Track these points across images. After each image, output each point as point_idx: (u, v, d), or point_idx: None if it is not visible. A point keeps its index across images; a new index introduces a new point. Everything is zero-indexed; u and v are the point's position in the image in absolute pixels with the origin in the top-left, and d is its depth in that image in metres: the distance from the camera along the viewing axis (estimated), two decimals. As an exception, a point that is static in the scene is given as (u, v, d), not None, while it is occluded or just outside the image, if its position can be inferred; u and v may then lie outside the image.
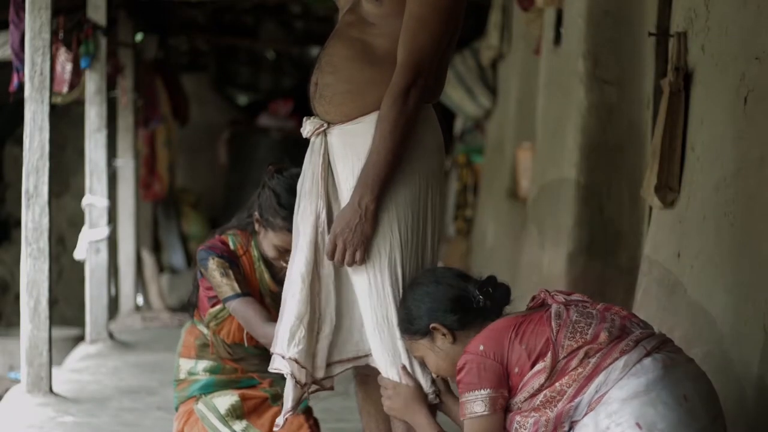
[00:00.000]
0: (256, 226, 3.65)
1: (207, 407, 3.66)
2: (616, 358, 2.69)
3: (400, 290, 2.95)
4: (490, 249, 7.94)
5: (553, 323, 2.76)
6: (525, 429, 2.74)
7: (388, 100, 2.91)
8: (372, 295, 2.96)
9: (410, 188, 2.96)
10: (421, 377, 2.99)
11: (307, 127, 3.06)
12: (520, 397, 2.76)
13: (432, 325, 2.89)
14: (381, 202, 2.93)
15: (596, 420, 2.67)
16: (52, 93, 4.86)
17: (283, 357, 3.01)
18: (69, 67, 6.09)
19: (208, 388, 3.70)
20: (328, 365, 3.02)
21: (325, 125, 3.02)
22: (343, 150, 2.98)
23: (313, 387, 3.11)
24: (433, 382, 3.00)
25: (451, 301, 2.90)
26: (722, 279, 3.46)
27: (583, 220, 5.29)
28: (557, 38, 5.97)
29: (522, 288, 6.02)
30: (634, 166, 5.13)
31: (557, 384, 2.71)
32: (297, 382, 3.02)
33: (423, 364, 2.99)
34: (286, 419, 3.10)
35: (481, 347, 2.77)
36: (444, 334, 2.89)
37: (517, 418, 2.76)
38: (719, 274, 3.48)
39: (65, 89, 6.11)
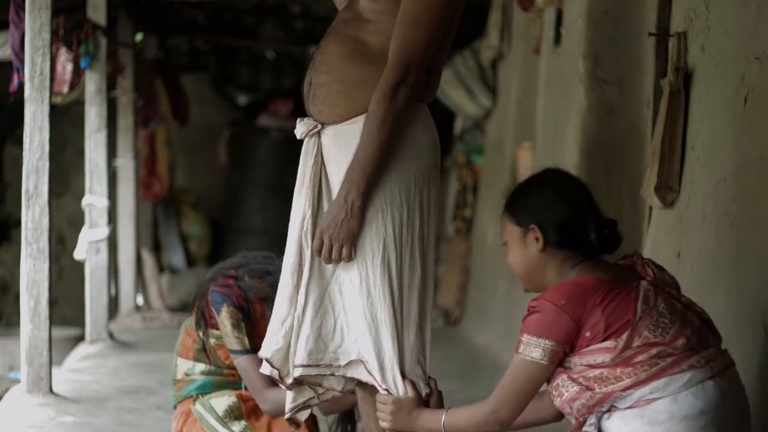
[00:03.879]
0: None
1: (205, 408, 3.66)
2: (684, 370, 2.66)
3: (393, 289, 2.92)
4: (490, 249, 7.94)
5: (639, 306, 2.70)
6: (567, 391, 2.72)
7: (376, 97, 2.89)
8: (363, 293, 2.93)
9: (404, 187, 2.95)
10: (415, 377, 2.97)
11: (301, 129, 3.04)
12: (577, 360, 2.72)
13: (532, 226, 2.84)
14: (372, 200, 2.92)
15: (638, 420, 2.65)
16: (52, 93, 4.86)
17: (262, 357, 3.02)
18: (69, 67, 6.10)
19: (206, 389, 3.70)
20: (305, 366, 2.97)
21: (319, 126, 3.01)
22: (338, 151, 2.97)
23: (322, 390, 3.10)
24: (426, 382, 3.00)
25: (564, 220, 2.83)
26: (722, 279, 3.46)
27: (583, 220, 5.28)
28: (557, 38, 5.97)
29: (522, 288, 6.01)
30: (634, 166, 5.13)
31: (618, 369, 2.67)
32: (280, 382, 3.02)
33: (411, 364, 2.97)
34: (291, 420, 3.11)
35: (563, 301, 2.70)
36: (537, 239, 2.83)
37: (564, 376, 2.73)
38: (719, 274, 3.48)
39: (65, 89, 6.11)
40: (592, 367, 2.70)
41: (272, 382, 3.41)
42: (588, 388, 2.69)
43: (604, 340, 2.68)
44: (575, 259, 2.82)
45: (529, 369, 2.73)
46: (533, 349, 2.72)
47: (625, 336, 2.67)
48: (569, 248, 2.83)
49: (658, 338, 2.67)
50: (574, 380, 2.72)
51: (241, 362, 3.54)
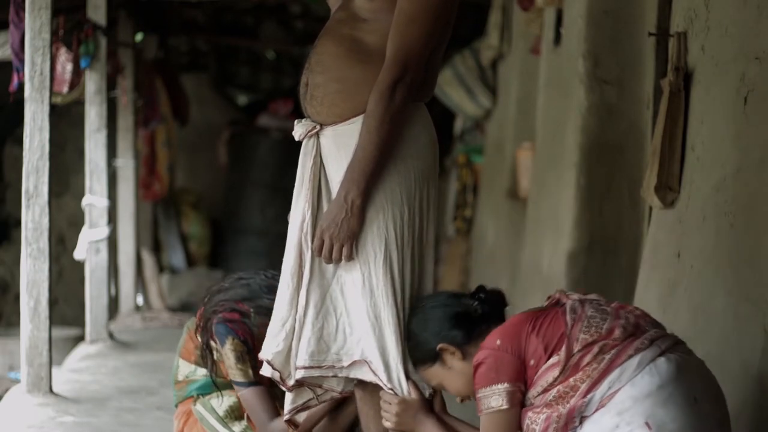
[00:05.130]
0: None
1: (205, 408, 3.66)
2: (631, 356, 2.69)
3: (396, 289, 2.93)
4: (490, 249, 7.94)
5: (568, 317, 2.77)
6: (536, 425, 2.73)
7: (374, 96, 2.89)
8: (366, 294, 2.94)
9: (405, 186, 2.95)
10: (418, 378, 2.98)
11: (299, 130, 3.04)
12: (533, 392, 2.76)
13: (439, 347, 2.90)
14: (373, 199, 2.92)
15: (607, 416, 2.67)
16: (52, 93, 4.86)
17: (263, 359, 3.02)
18: (69, 67, 6.09)
19: (206, 389, 3.69)
20: (307, 368, 2.98)
21: (317, 127, 3.01)
22: (337, 151, 2.97)
23: (322, 391, 3.10)
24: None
25: (450, 318, 2.91)
26: (722, 279, 3.45)
27: (583, 220, 5.29)
28: (557, 38, 5.97)
29: (522, 288, 6.01)
30: (634, 166, 5.13)
31: (571, 379, 2.71)
32: (281, 384, 3.01)
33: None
34: (290, 421, 3.11)
35: (498, 342, 2.77)
36: (453, 353, 2.90)
37: (529, 414, 2.75)
38: (719, 274, 3.48)
39: (65, 89, 6.11)
40: (546, 390, 2.74)
41: (274, 414, 3.42)
42: (553, 411, 2.72)
43: (548, 359, 2.74)
44: (488, 333, 2.86)
45: (497, 419, 2.77)
46: (491, 399, 2.77)
47: (564, 347, 2.73)
48: (475, 332, 2.89)
49: (594, 336, 2.73)
50: (538, 412, 2.75)
51: (246, 394, 3.53)
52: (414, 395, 2.96)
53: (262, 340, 3.54)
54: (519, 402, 2.77)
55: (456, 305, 2.94)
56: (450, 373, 2.92)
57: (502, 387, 2.75)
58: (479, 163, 8.71)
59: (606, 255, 5.28)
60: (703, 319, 3.52)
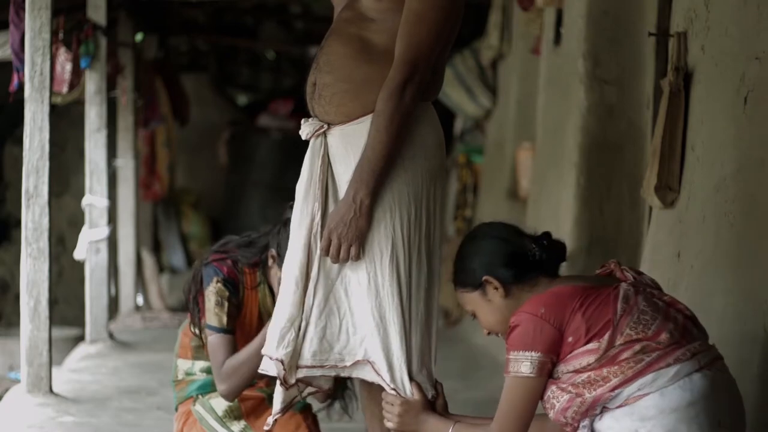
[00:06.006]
0: (270, 261, 3.60)
1: (204, 408, 3.66)
2: (670, 364, 2.66)
3: (401, 289, 2.92)
4: (490, 249, 7.93)
5: (619, 305, 2.71)
6: (558, 402, 2.71)
7: (384, 95, 2.89)
8: (371, 294, 2.93)
9: (412, 187, 2.95)
10: (421, 379, 2.97)
11: (306, 129, 3.04)
12: (563, 368, 2.72)
13: (485, 278, 2.85)
14: (381, 199, 2.91)
15: (629, 418, 2.65)
16: (52, 93, 4.86)
17: (270, 358, 3.00)
18: (69, 67, 6.10)
19: (206, 388, 3.70)
20: (309, 367, 2.97)
21: (325, 126, 3.01)
22: (345, 151, 2.97)
23: (310, 389, 3.10)
24: (433, 384, 3.00)
25: (506, 255, 2.85)
26: (722, 279, 3.46)
27: (583, 220, 5.29)
28: (557, 38, 5.98)
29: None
30: (634, 166, 5.13)
31: (604, 370, 2.67)
32: (283, 383, 3.01)
33: (419, 365, 2.97)
34: (276, 421, 3.09)
35: (542, 310, 2.72)
36: (496, 288, 2.85)
37: (553, 387, 2.73)
38: (719, 274, 3.48)
39: (65, 89, 6.12)
40: (578, 372, 2.70)
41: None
42: (578, 395, 2.70)
43: (587, 342, 2.69)
44: (543, 281, 2.83)
45: (522, 385, 2.74)
46: (522, 364, 2.73)
47: (607, 336, 2.68)
48: (528, 277, 2.85)
49: (640, 335, 2.68)
50: (563, 389, 2.72)
51: (213, 339, 3.54)
52: (417, 396, 2.95)
53: (250, 273, 3.55)
54: (548, 373, 2.73)
55: (515, 244, 2.87)
56: (488, 305, 2.88)
57: (536, 355, 2.71)
58: (479, 163, 8.71)
59: (606, 255, 5.28)
60: (703, 319, 3.51)
